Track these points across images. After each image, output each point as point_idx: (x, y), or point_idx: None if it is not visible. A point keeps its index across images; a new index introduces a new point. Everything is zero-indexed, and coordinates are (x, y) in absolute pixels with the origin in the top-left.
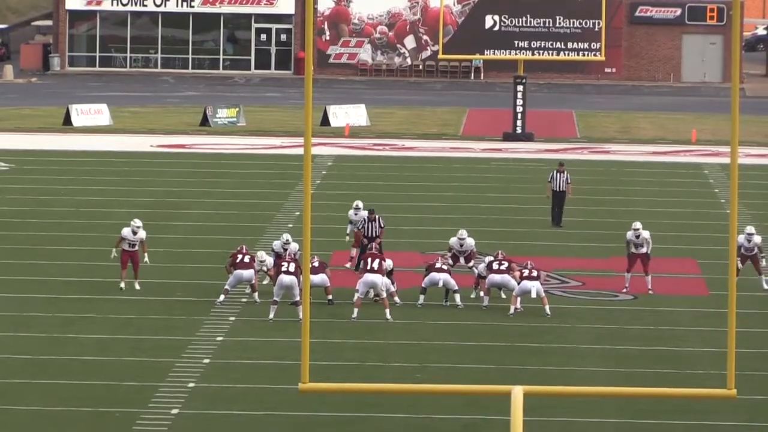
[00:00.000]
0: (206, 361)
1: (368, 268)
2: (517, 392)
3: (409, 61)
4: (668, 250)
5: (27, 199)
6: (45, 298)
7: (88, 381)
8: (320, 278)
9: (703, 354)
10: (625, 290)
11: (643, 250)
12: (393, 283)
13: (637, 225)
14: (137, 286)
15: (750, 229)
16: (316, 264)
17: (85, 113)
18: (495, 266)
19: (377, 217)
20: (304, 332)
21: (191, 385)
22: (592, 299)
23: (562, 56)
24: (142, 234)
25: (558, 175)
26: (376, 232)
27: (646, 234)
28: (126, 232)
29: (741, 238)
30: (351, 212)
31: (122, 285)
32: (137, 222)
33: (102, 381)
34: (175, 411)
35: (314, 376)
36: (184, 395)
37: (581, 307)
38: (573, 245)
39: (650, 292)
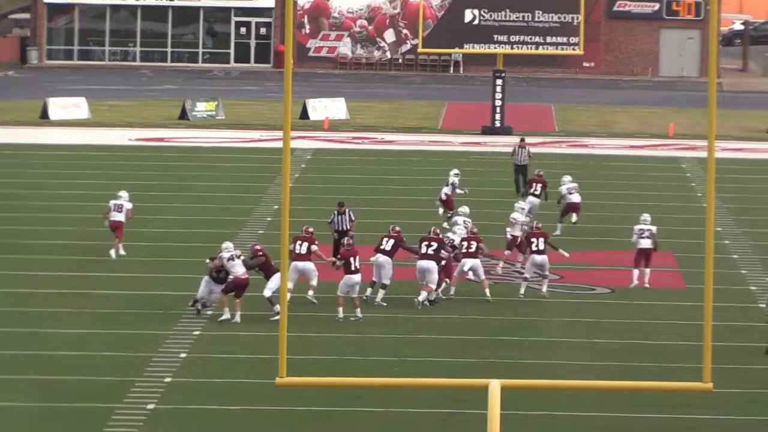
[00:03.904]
0: (183, 355)
1: (352, 268)
2: (495, 386)
3: (388, 54)
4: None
5: (3, 193)
6: (21, 292)
7: (64, 376)
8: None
9: (679, 347)
10: (633, 286)
11: (648, 244)
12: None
13: (646, 217)
14: (122, 251)
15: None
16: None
17: (63, 107)
18: (464, 248)
19: (347, 210)
20: (282, 326)
21: (168, 379)
22: (569, 292)
23: (540, 50)
24: (127, 204)
25: (520, 150)
26: (346, 225)
27: (653, 228)
28: (111, 202)
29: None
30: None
31: (112, 254)
32: (124, 193)
33: (78, 376)
34: (151, 406)
35: (292, 371)
36: (161, 390)
37: (559, 300)
38: (550, 239)
39: (647, 286)
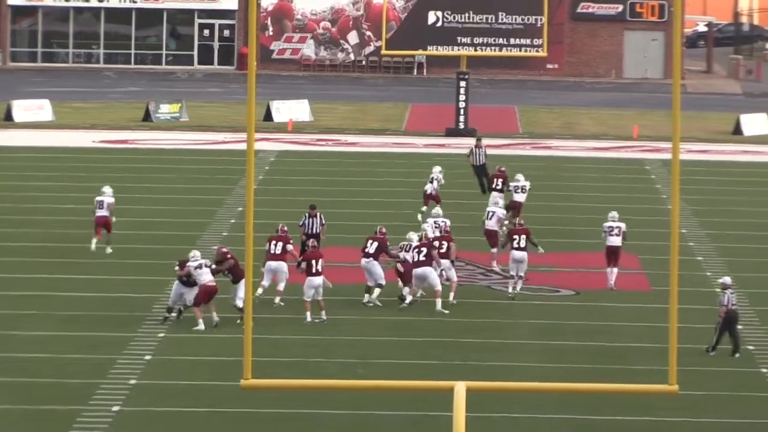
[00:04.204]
0: (148, 357)
1: (314, 270)
2: (460, 388)
3: (352, 56)
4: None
5: None
6: None
7: (29, 378)
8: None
9: (644, 349)
10: (611, 287)
11: (617, 241)
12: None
13: (614, 214)
14: (108, 250)
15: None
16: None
17: (26, 109)
18: (414, 256)
19: (318, 213)
20: (246, 328)
21: (132, 381)
22: (534, 294)
23: (504, 52)
24: (108, 198)
25: (477, 150)
26: (317, 228)
27: (622, 225)
28: (96, 199)
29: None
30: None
31: (93, 247)
32: (107, 189)
33: (43, 378)
34: (116, 408)
35: (257, 373)
36: (126, 392)
37: (523, 302)
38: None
39: (612, 287)
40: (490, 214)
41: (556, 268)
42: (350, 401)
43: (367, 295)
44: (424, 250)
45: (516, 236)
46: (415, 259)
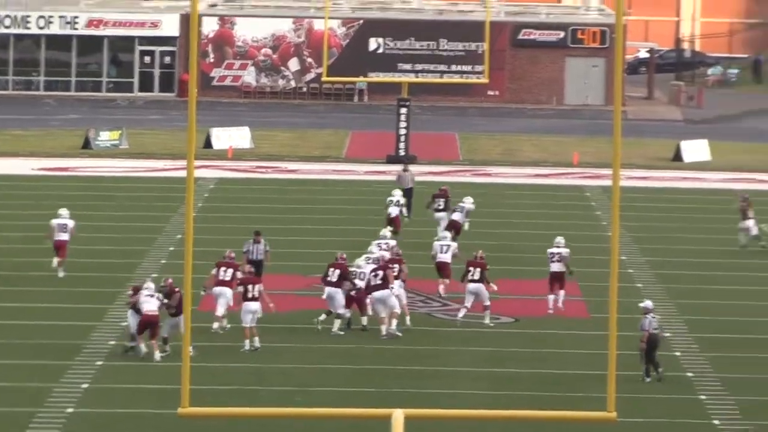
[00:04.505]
0: (85, 386)
1: (249, 296)
2: (398, 416)
3: (293, 83)
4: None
5: None
6: None
7: None
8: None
9: (584, 376)
10: (550, 311)
11: (559, 267)
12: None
13: (560, 240)
14: (61, 274)
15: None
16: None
17: None
18: (371, 279)
19: (263, 239)
20: (184, 356)
21: (70, 410)
22: (474, 321)
23: (445, 79)
24: (69, 221)
25: (405, 174)
26: (260, 254)
27: (563, 251)
28: (54, 222)
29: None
30: None
31: (54, 264)
32: (64, 211)
33: None
34: None
35: (195, 401)
36: (62, 420)
37: (463, 329)
38: (456, 267)
39: (560, 307)
40: (445, 248)
41: (496, 295)
42: (288, 429)
43: (324, 316)
44: (381, 272)
45: (472, 268)
46: (372, 283)
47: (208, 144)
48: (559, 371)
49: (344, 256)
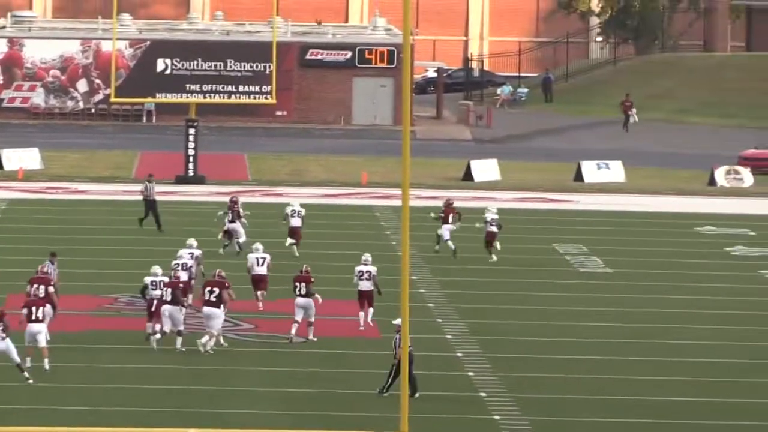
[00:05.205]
0: None
1: (33, 317)
2: None
3: (81, 104)
4: (340, 292)
5: None
6: None
7: None
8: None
9: (376, 397)
10: (361, 328)
11: (368, 285)
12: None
13: (367, 258)
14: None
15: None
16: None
17: None
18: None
19: (54, 260)
20: None
21: None
22: (264, 341)
23: (233, 99)
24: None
25: (149, 185)
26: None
27: (372, 269)
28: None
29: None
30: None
31: None
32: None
33: None
34: None
35: None
36: None
37: (255, 349)
38: (243, 287)
39: (370, 324)
40: (261, 260)
41: (287, 314)
42: None
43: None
44: (216, 290)
45: (298, 283)
46: (206, 298)
47: None
48: (351, 391)
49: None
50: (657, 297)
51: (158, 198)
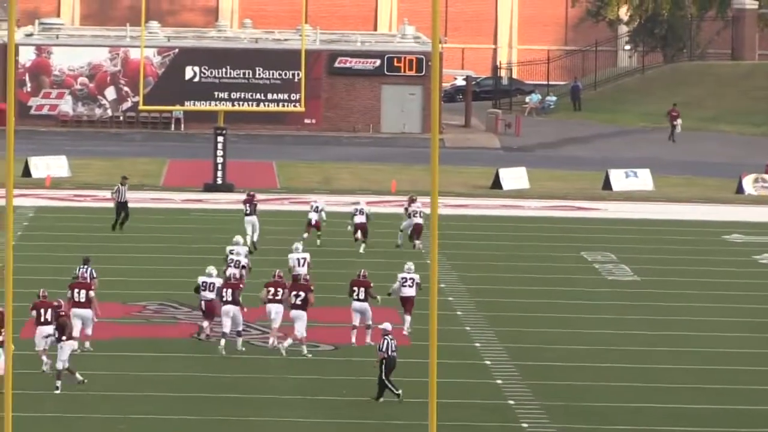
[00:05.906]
0: None
1: (42, 320)
2: None
3: (109, 112)
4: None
5: None
6: None
7: None
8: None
9: (405, 404)
10: (405, 333)
11: (412, 292)
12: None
13: (410, 266)
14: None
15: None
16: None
17: None
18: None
19: (90, 268)
20: (6, 385)
21: None
22: (293, 349)
23: (262, 107)
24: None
25: (122, 188)
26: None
27: (416, 276)
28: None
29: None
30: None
31: None
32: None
33: None
34: None
35: (17, 428)
36: None
37: (282, 357)
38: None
39: (408, 332)
40: (301, 260)
41: (315, 322)
42: None
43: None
44: (302, 293)
45: (356, 287)
46: (293, 302)
47: (26, 173)
48: (382, 398)
49: (237, 275)
50: (685, 305)
51: (190, 206)
